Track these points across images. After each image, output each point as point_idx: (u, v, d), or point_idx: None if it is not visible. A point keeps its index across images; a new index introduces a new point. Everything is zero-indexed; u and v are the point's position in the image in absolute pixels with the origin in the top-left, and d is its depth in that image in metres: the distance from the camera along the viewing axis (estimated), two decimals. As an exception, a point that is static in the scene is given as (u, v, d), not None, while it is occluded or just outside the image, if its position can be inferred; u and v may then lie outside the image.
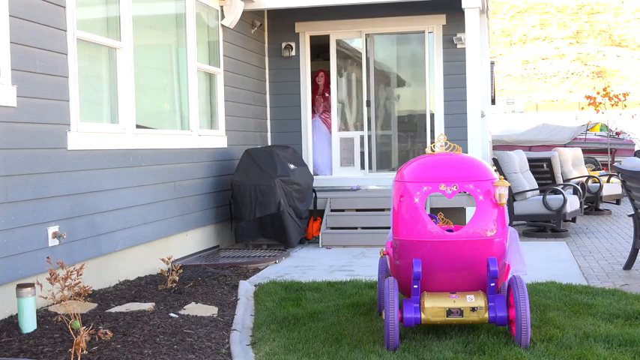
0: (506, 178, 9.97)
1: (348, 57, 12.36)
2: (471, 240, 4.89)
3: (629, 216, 7.83)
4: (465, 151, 9.55)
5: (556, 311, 5.71)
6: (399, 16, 11.22)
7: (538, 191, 10.84)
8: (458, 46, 11.04)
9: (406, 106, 12.43)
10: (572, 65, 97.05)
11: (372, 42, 11.71)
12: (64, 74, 6.26)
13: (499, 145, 19.53)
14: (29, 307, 5.13)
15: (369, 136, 11.66)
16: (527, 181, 10.90)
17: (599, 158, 19.28)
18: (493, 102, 17.85)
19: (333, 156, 11.72)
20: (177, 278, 6.69)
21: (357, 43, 11.87)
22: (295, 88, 11.61)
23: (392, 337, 4.76)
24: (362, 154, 11.73)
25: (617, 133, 20.38)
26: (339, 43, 11.98)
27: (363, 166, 11.71)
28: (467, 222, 5.76)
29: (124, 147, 7.16)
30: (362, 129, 11.83)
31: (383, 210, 10.01)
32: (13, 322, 5.34)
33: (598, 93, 19.70)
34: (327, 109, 11.85)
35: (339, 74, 12.44)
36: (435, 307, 4.90)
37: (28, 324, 5.13)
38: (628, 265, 7.57)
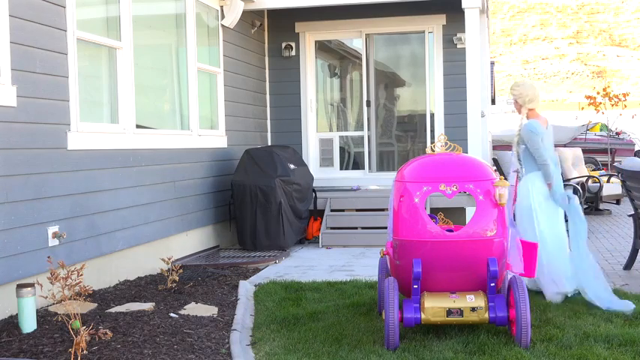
0: (506, 178, 9.94)
1: (347, 56, 12.38)
2: (471, 240, 4.89)
3: (629, 216, 7.83)
4: (465, 151, 9.54)
5: (556, 311, 5.71)
6: (399, 16, 11.21)
7: (538, 191, 10.81)
8: (458, 46, 11.04)
9: (406, 106, 12.43)
10: (572, 65, 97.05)
11: (372, 42, 11.71)
12: (64, 74, 6.26)
13: (499, 145, 19.50)
14: (29, 307, 5.13)
15: (369, 137, 11.66)
16: (527, 181, 10.88)
17: (599, 158, 19.27)
18: (493, 102, 17.82)
19: (312, 156, 11.70)
20: (177, 278, 6.69)
21: (357, 43, 11.87)
22: (295, 88, 11.61)
23: (392, 337, 4.77)
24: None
25: (617, 133, 20.36)
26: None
27: (342, 166, 11.75)
28: (467, 222, 5.76)
29: (124, 147, 7.16)
30: (342, 129, 12.03)
31: (383, 210, 10.00)
32: (13, 322, 5.34)
33: (598, 93, 19.68)
34: None
35: (334, 74, 12.48)
36: (435, 307, 4.90)
37: (28, 324, 5.13)
38: (628, 265, 7.57)
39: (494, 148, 17.18)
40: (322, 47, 11.99)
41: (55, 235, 6.03)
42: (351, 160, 12.00)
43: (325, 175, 11.57)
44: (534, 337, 5.01)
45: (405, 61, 12.22)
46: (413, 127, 12.02)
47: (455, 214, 9.60)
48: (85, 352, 4.50)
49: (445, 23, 11.16)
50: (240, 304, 6.05)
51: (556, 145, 20.15)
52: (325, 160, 11.79)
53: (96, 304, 5.96)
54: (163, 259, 7.03)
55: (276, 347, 4.95)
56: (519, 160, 6.40)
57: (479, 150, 9.76)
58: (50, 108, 6.08)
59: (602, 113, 19.65)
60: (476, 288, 5.02)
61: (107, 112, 7.27)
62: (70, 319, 4.55)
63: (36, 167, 5.88)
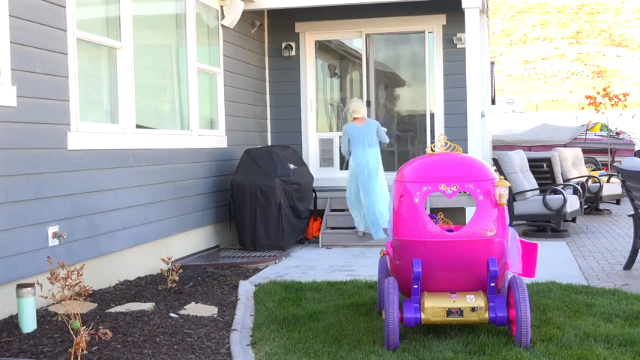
0: (506, 178, 9.97)
1: (347, 56, 12.37)
2: (471, 240, 4.89)
3: (629, 216, 7.83)
4: (465, 151, 9.55)
5: (556, 311, 5.71)
6: (399, 16, 11.21)
7: (538, 191, 10.83)
8: (458, 46, 11.04)
9: (406, 106, 12.43)
10: (572, 65, 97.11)
11: (372, 42, 11.71)
12: (64, 74, 6.26)
13: (499, 145, 19.52)
14: (29, 307, 5.13)
15: (369, 136, 11.63)
16: (527, 181, 10.90)
17: (599, 158, 19.27)
18: (493, 102, 17.84)
19: (312, 156, 11.67)
20: (177, 278, 6.69)
21: (357, 43, 11.86)
22: (295, 88, 11.60)
23: (392, 337, 4.77)
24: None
25: (617, 133, 20.36)
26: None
27: (342, 166, 11.73)
28: (467, 222, 5.76)
29: (124, 147, 7.16)
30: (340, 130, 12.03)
31: (383, 210, 9.99)
32: (13, 322, 5.34)
33: (598, 93, 19.67)
34: None
35: (334, 74, 12.47)
36: (435, 307, 4.90)
37: (28, 324, 5.13)
38: (628, 265, 7.57)
39: (494, 148, 17.21)
40: (322, 47, 11.99)
41: (55, 235, 6.03)
42: (352, 160, 11.98)
43: (325, 175, 11.57)
44: (534, 337, 5.01)
45: (404, 61, 12.22)
46: (413, 127, 12.02)
47: (455, 214, 9.60)
48: (85, 352, 4.50)
49: (445, 23, 11.16)
50: (240, 304, 6.05)
51: (556, 145, 20.22)
52: (325, 160, 11.79)
53: (96, 304, 5.96)
54: (163, 259, 7.03)
55: (276, 347, 4.95)
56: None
57: (479, 150, 9.76)
58: (50, 108, 6.08)
59: (602, 113, 19.64)
60: (476, 288, 5.02)
61: (107, 112, 7.27)
62: (70, 319, 4.55)
63: (36, 167, 5.88)
